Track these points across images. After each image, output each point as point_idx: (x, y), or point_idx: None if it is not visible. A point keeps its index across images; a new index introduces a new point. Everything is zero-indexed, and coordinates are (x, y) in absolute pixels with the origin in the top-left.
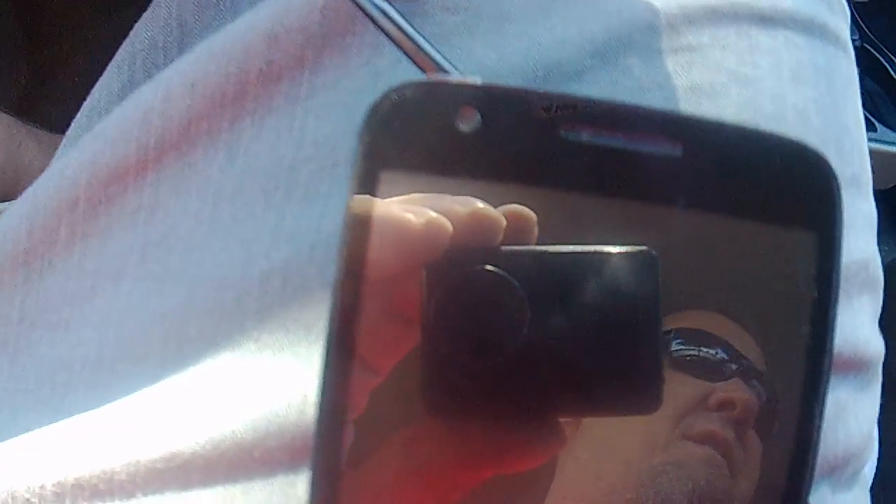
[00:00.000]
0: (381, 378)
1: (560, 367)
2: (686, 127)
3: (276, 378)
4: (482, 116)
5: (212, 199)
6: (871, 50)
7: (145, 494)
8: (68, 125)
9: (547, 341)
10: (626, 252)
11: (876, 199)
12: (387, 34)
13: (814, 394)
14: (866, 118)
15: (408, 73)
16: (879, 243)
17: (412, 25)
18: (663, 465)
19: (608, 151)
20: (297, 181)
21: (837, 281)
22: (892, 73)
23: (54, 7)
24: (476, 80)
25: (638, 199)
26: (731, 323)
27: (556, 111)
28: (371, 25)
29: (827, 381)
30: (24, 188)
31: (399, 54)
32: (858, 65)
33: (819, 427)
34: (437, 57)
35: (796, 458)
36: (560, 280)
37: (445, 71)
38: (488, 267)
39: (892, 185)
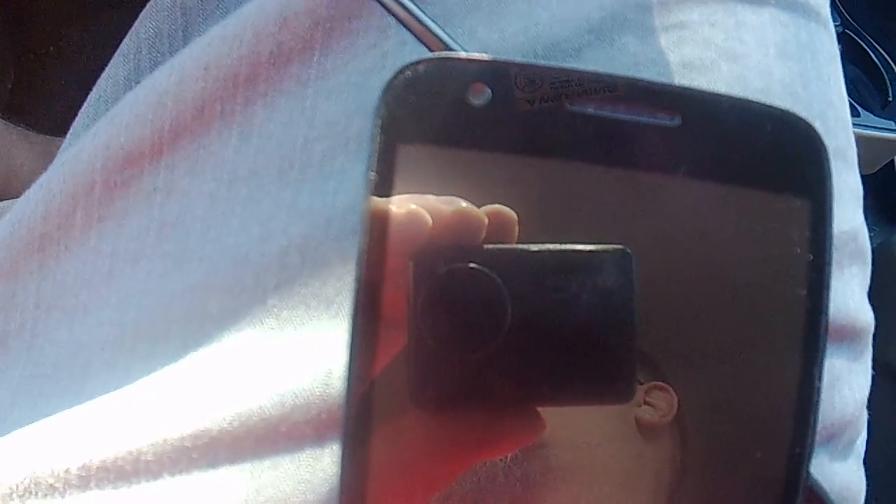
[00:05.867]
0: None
1: (539, 360)
2: (684, 98)
3: (300, 353)
4: (492, 91)
5: (227, 179)
6: (853, 36)
7: (172, 474)
8: (57, 125)
9: (527, 335)
10: (602, 250)
11: (861, 184)
12: (394, 15)
13: (814, 352)
14: (849, 104)
15: (414, 54)
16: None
17: (417, 6)
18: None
19: (611, 123)
20: (311, 159)
21: (830, 243)
22: (873, 58)
23: (38, 10)
24: (485, 55)
25: (639, 167)
26: None
27: (561, 85)
28: (377, 8)
29: (825, 339)
30: (16, 189)
31: (405, 36)
32: (840, 51)
33: (819, 388)
34: (444, 36)
35: (798, 419)
36: (540, 277)
37: (452, 50)
38: (472, 264)
39: (876, 169)
